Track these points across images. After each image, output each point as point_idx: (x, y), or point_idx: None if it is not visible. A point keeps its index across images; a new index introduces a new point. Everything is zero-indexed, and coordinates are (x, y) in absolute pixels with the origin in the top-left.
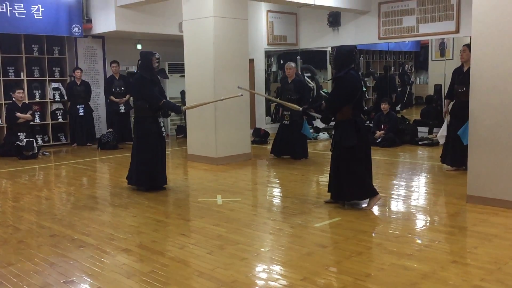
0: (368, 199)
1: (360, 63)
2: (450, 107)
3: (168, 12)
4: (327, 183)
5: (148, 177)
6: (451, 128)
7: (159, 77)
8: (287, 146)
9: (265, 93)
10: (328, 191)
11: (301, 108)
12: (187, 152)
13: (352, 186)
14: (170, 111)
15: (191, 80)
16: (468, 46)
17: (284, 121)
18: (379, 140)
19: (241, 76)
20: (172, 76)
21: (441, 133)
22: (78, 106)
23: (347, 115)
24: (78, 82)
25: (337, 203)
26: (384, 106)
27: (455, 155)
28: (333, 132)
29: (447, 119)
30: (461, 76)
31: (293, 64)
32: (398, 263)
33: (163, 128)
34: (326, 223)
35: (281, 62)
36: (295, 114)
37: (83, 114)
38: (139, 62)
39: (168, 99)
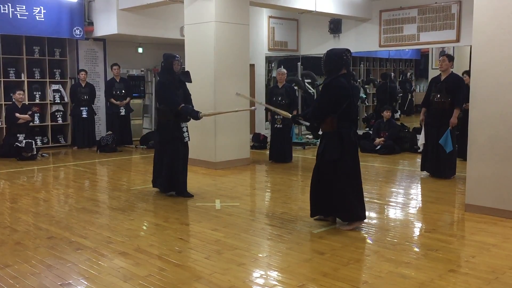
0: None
1: (361, 70)
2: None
3: (170, 16)
4: None
5: (169, 181)
6: (428, 136)
7: (183, 80)
8: (280, 150)
9: (265, 99)
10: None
11: (291, 116)
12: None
13: (335, 205)
14: (189, 116)
15: (192, 84)
16: (447, 55)
17: (276, 125)
18: (378, 147)
19: (242, 81)
20: None
21: (421, 141)
22: (81, 108)
23: (331, 126)
24: (83, 84)
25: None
26: (386, 114)
27: (432, 163)
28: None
29: (423, 127)
30: (439, 85)
31: (284, 70)
32: (396, 271)
33: (186, 133)
34: (324, 230)
35: (282, 67)
36: (286, 118)
37: (86, 116)
38: (162, 64)
39: (192, 102)
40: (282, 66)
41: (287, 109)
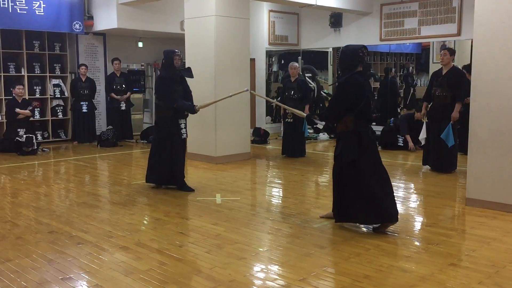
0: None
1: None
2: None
3: (170, 10)
4: (326, 184)
5: (166, 176)
6: (430, 130)
7: (184, 76)
8: (291, 145)
9: (265, 93)
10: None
11: (305, 115)
12: (186, 151)
13: (362, 207)
14: (186, 112)
15: (191, 79)
16: (449, 49)
17: (287, 119)
18: (401, 143)
19: (242, 75)
20: None
21: (422, 136)
22: (81, 103)
23: (348, 126)
24: (83, 79)
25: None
26: (417, 115)
27: (434, 158)
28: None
29: (425, 122)
30: (440, 79)
31: (296, 64)
32: (396, 265)
33: (183, 130)
34: (324, 224)
35: (282, 62)
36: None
37: (86, 111)
38: (163, 61)
39: (192, 98)
40: (302, 62)
41: (299, 103)
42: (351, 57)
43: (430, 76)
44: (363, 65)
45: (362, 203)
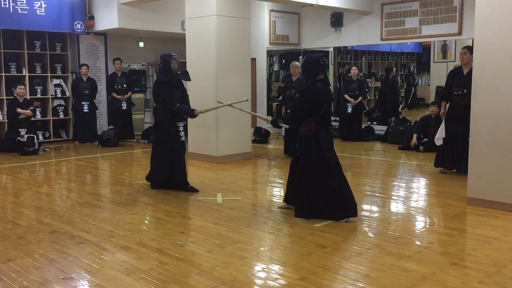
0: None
1: (362, 63)
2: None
3: (171, 10)
4: None
5: (163, 181)
6: (452, 131)
7: (181, 79)
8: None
9: (266, 93)
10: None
11: (270, 119)
12: (187, 150)
13: (301, 203)
14: (185, 115)
15: (193, 78)
16: (468, 48)
17: None
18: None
19: (243, 75)
20: None
21: (439, 135)
22: (83, 103)
23: (309, 129)
24: (84, 79)
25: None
26: (434, 109)
27: (460, 159)
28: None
29: (443, 122)
30: (463, 79)
31: (298, 63)
32: (397, 265)
33: (182, 133)
34: (325, 224)
35: (283, 61)
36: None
37: (87, 110)
38: (160, 64)
39: (189, 102)
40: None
41: None
42: (313, 65)
43: (447, 75)
44: (324, 73)
45: (326, 201)
